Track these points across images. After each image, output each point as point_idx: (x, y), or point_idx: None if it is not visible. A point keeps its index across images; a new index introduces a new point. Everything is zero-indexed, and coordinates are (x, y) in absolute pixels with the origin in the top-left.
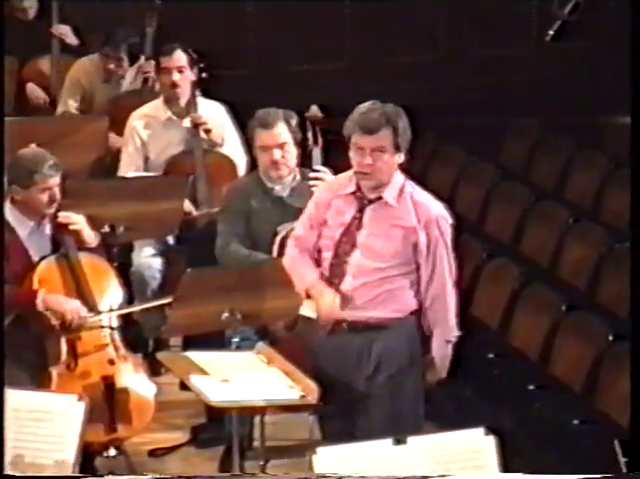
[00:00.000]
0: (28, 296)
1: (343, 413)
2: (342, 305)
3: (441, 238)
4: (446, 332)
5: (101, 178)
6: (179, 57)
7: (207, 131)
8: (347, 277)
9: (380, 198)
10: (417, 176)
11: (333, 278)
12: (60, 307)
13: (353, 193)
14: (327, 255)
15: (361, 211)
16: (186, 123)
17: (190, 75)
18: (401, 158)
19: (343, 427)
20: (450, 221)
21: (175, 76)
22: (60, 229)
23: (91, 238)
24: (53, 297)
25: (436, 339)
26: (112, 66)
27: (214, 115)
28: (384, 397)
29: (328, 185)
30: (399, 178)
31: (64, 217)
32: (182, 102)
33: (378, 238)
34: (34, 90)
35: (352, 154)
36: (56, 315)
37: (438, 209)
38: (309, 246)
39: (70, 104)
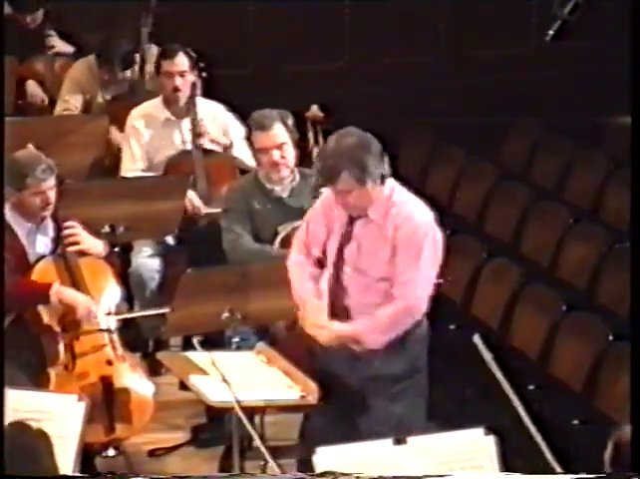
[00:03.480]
0: (39, 288)
1: (341, 415)
2: (342, 319)
3: (409, 245)
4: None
5: (100, 178)
6: (182, 61)
7: (211, 140)
8: (346, 292)
9: (365, 215)
10: (417, 176)
11: (334, 293)
12: (73, 301)
13: None
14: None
15: (350, 224)
16: (186, 123)
17: (191, 77)
18: (376, 183)
19: (340, 428)
20: (434, 234)
21: (178, 81)
22: (65, 246)
23: (99, 249)
24: (66, 290)
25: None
26: (106, 77)
27: (215, 113)
28: (382, 404)
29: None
30: (385, 192)
31: (69, 236)
32: (182, 103)
33: (368, 256)
34: (33, 88)
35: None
36: (64, 310)
37: (421, 219)
38: (313, 252)
39: (70, 102)
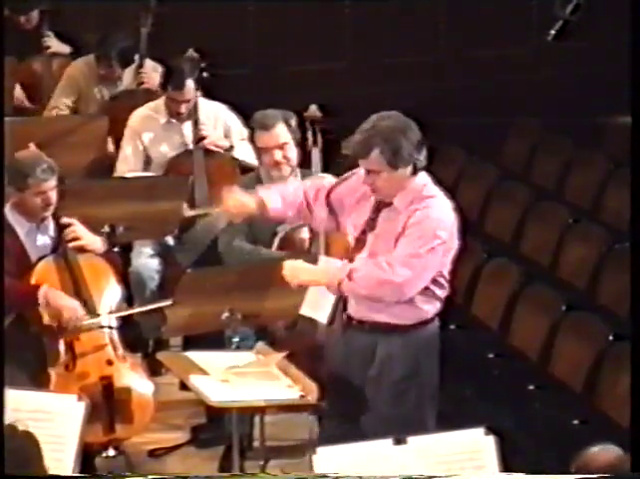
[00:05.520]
0: (29, 291)
1: (344, 413)
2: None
3: (413, 230)
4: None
5: (100, 178)
6: (189, 89)
7: (211, 143)
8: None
9: (391, 203)
10: None
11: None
12: (58, 305)
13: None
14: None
15: (377, 211)
16: (187, 126)
17: (195, 97)
18: (407, 170)
19: (343, 428)
20: (442, 236)
21: (182, 107)
22: (63, 240)
23: (97, 245)
24: (54, 293)
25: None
26: (103, 72)
27: (217, 115)
28: (386, 403)
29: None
30: (416, 185)
31: (69, 233)
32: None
33: (383, 242)
34: (15, 90)
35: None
36: (53, 313)
37: (436, 215)
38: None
39: (62, 101)
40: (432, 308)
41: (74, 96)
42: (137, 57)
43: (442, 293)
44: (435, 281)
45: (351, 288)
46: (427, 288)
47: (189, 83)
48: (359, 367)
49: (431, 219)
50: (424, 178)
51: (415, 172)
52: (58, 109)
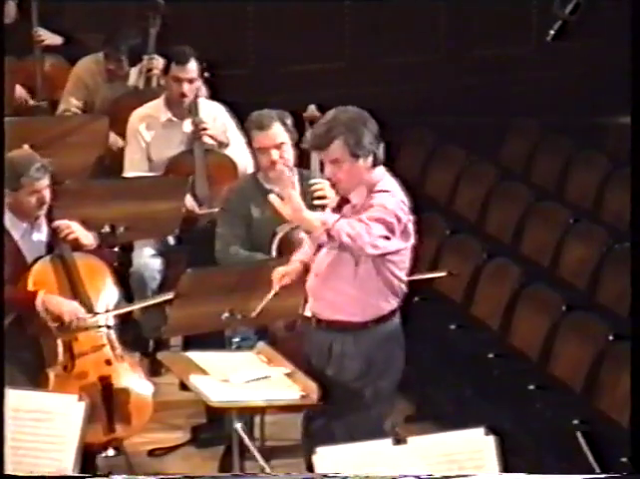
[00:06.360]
0: (27, 297)
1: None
2: (305, 299)
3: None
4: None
5: (101, 178)
6: (192, 68)
7: (210, 136)
8: (311, 274)
9: (349, 201)
10: (417, 176)
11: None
12: (58, 309)
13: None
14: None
15: (338, 210)
16: (187, 125)
17: (198, 83)
18: (368, 162)
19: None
20: (393, 223)
21: (185, 87)
22: (56, 236)
23: (89, 240)
24: (52, 299)
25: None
26: (111, 67)
27: (216, 115)
28: (344, 401)
29: None
30: (372, 179)
31: (59, 226)
32: (185, 105)
33: None
34: (17, 90)
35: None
36: (53, 317)
37: (390, 212)
38: None
39: (72, 102)
40: (387, 305)
41: (83, 96)
42: (145, 57)
43: (399, 290)
44: (388, 281)
45: (337, 233)
46: (380, 284)
47: (193, 61)
48: (319, 366)
49: (386, 209)
50: (380, 173)
51: (374, 165)
52: (68, 111)
